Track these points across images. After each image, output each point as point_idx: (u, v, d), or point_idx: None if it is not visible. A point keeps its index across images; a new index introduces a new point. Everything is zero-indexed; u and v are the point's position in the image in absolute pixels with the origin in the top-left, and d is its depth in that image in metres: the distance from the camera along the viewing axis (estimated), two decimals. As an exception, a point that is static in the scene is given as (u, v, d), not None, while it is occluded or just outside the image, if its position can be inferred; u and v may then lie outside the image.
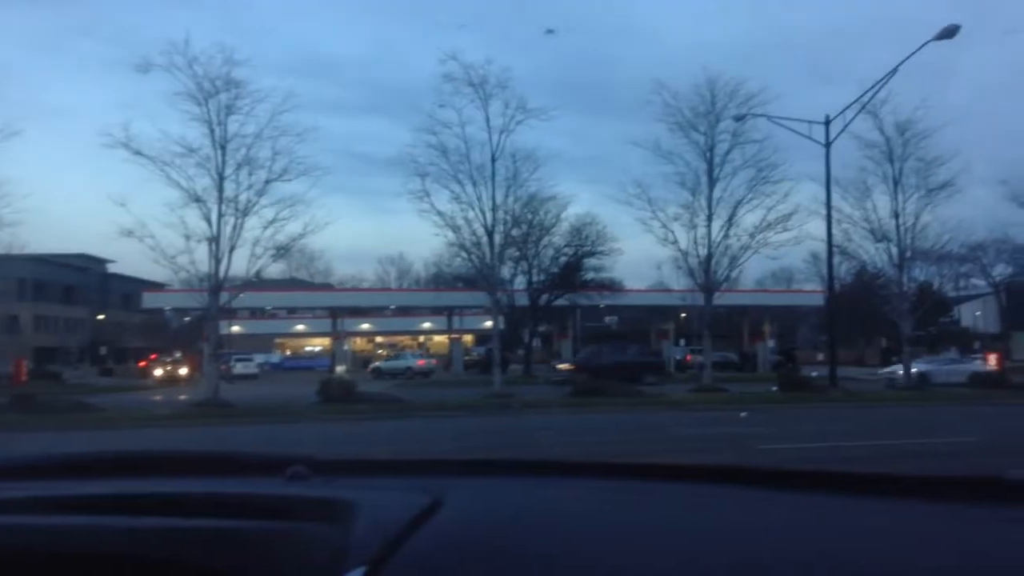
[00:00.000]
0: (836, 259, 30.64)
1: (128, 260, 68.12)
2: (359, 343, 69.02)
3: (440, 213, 27.88)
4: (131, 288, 74.52)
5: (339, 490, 1.19)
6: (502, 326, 32.01)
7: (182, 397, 28.22)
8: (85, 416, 20.19)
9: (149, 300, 54.21)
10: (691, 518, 1.11)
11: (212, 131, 23.70)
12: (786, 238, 29.27)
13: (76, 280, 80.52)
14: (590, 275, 47.26)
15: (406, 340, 72.79)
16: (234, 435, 16.59)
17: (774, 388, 26.96)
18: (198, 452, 1.51)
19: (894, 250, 28.79)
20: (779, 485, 1.26)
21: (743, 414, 19.98)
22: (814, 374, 28.84)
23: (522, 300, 45.52)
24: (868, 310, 54.71)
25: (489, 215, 27.71)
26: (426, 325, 69.06)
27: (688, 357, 49.01)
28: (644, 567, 0.92)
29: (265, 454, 1.50)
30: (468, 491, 1.25)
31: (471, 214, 27.87)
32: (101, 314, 78.72)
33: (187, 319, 59.66)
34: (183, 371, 46.04)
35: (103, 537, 0.93)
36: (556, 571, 0.93)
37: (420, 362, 50.10)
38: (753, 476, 1.31)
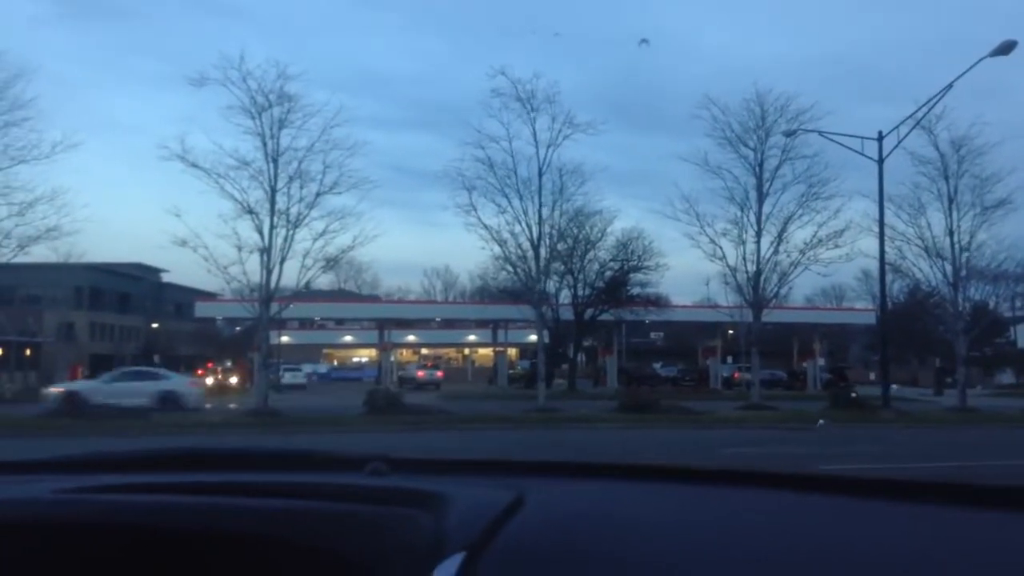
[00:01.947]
0: (889, 277, 30.11)
1: (182, 270, 69.73)
2: (405, 355, 69.55)
3: (486, 226, 28.08)
4: (184, 297, 76.03)
5: (423, 484, 1.22)
6: (547, 340, 31.99)
7: (232, 406, 28.67)
8: (138, 423, 20.62)
9: (201, 309, 55.19)
10: (770, 523, 1.14)
11: (265, 144, 24.22)
12: (837, 255, 28.87)
13: (131, 289, 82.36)
14: (636, 290, 47.02)
15: (451, 352, 73.11)
16: (286, 443, 16.81)
17: (822, 421, 26.47)
18: (277, 449, 1.57)
19: (949, 268, 28.20)
20: (856, 493, 1.28)
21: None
22: (857, 394, 28.28)
23: (567, 314, 45.43)
24: (922, 330, 53.60)
25: (535, 229, 27.81)
26: (471, 338, 69.31)
27: (736, 374, 48.46)
28: (718, 571, 0.95)
29: (341, 451, 1.55)
30: (548, 490, 1.29)
31: (517, 228, 28.02)
32: (155, 322, 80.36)
33: (238, 328, 60.63)
34: (233, 380, 46.75)
35: (214, 515, 0.97)
36: (637, 569, 0.95)
37: (420, 373, 51.09)
38: (831, 485, 1.33)
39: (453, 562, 0.91)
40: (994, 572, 0.97)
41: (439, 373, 52.35)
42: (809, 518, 1.19)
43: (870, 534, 1.09)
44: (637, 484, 1.41)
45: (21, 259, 24.52)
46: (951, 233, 28.03)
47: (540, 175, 27.62)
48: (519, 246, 28.44)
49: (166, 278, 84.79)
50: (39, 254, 25.00)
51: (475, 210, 27.87)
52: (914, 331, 53.41)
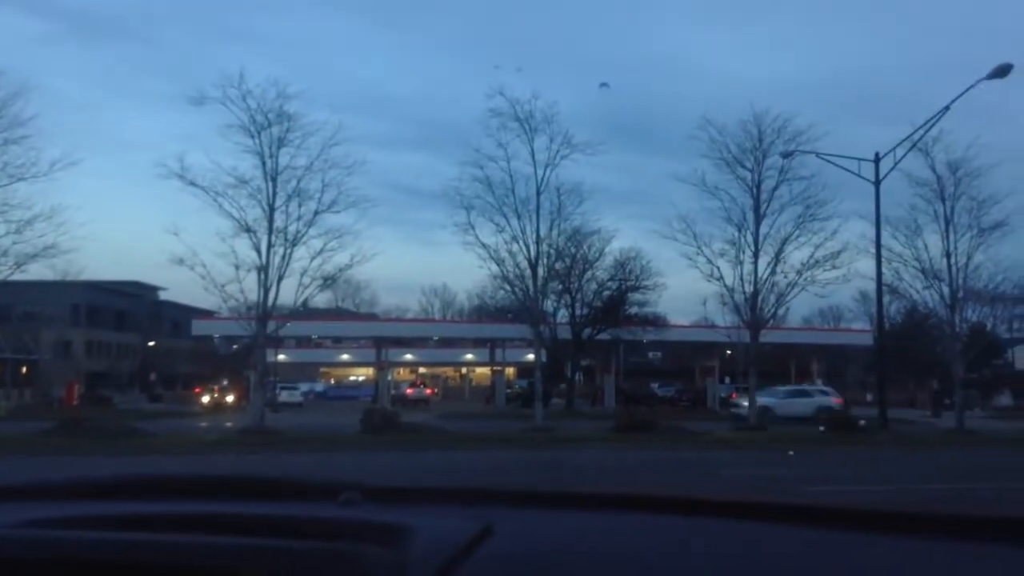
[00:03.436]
0: (886, 298, 30.15)
1: (179, 288, 69.76)
2: (402, 373, 69.37)
3: (484, 245, 28.17)
4: (181, 315, 75.95)
5: (392, 515, 1.22)
6: (544, 359, 31.95)
7: (229, 424, 28.57)
8: (134, 441, 20.52)
9: (199, 327, 55.23)
10: (743, 556, 1.13)
11: (264, 163, 24.31)
12: (834, 276, 28.93)
13: (128, 306, 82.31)
14: (634, 310, 47.03)
15: (448, 371, 72.94)
16: (280, 463, 16.75)
17: (821, 428, 26.43)
18: (249, 476, 1.57)
19: (946, 290, 28.21)
20: (832, 524, 1.26)
21: (791, 453, 19.69)
22: (861, 420, 28.27)
23: (565, 334, 45.41)
24: (919, 351, 53.59)
25: (533, 248, 27.91)
26: (468, 357, 69.22)
27: (734, 395, 48.38)
28: None
29: (317, 479, 1.55)
30: (519, 520, 1.29)
31: (515, 247, 28.11)
32: (152, 340, 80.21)
33: (235, 347, 60.50)
34: (230, 398, 46.61)
35: (165, 552, 0.96)
36: None
37: (409, 391, 52.80)
38: (808, 514, 1.32)
39: None
40: None
41: (428, 391, 53.20)
42: (783, 550, 1.17)
43: (846, 566, 1.09)
44: (611, 515, 1.39)
45: (18, 277, 24.52)
46: (948, 255, 28.07)
47: (538, 194, 27.77)
48: (517, 265, 28.53)
49: (163, 296, 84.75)
50: (36, 271, 25.05)
51: (473, 229, 28.01)
52: (911, 353, 53.40)
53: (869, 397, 50.34)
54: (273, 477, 1.54)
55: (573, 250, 41.75)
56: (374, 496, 1.42)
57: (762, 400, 32.66)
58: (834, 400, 37.77)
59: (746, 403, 30.52)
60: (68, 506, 1.37)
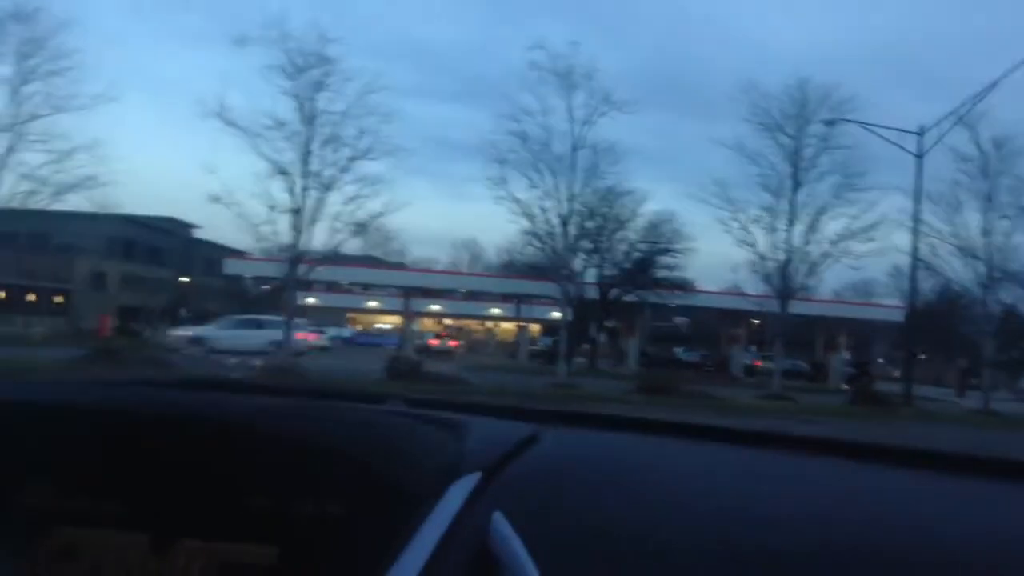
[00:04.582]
0: (920, 274, 29.79)
1: (213, 227, 70.34)
2: (428, 324, 69.83)
3: (516, 200, 28.03)
4: (214, 254, 76.65)
5: (442, 416, 1.27)
6: (570, 318, 31.98)
7: (258, 363, 29.01)
8: (166, 371, 20.94)
9: (231, 267, 55.72)
10: (780, 479, 1.19)
11: (301, 106, 24.26)
12: (869, 249, 28.50)
13: (162, 242, 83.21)
14: (662, 273, 46.79)
15: (474, 324, 73.30)
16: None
17: (846, 401, 26.32)
18: (302, 383, 1.64)
19: (982, 269, 27.81)
20: (861, 458, 1.33)
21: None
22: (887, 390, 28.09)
23: (592, 293, 45.36)
24: (949, 329, 52.96)
25: (565, 205, 27.74)
26: (495, 311, 69.43)
27: (757, 362, 48.26)
28: (706, 510, 1.01)
29: (363, 388, 1.61)
30: (561, 432, 1.34)
31: (547, 203, 27.92)
32: (184, 277, 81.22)
33: (266, 287, 61.17)
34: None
35: (241, 410, 1.01)
36: (646, 502, 1.00)
37: (433, 341, 54.72)
38: (845, 449, 1.37)
39: (469, 481, 0.95)
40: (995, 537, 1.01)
41: (452, 343, 53.51)
42: (823, 478, 1.23)
43: (872, 497, 1.13)
44: (650, 436, 1.46)
45: (56, 206, 24.89)
46: (987, 233, 27.64)
47: (573, 151, 27.53)
48: (548, 221, 28.40)
49: (197, 234, 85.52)
50: (74, 203, 25.34)
51: (506, 183, 27.86)
52: (942, 330, 52.81)
53: (895, 373, 50.00)
54: (323, 384, 1.61)
55: (605, 209, 41.47)
56: (420, 405, 1.48)
57: (198, 331, 31.61)
58: (301, 336, 32.23)
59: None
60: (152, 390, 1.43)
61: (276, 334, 27.60)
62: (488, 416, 1.51)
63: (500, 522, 0.88)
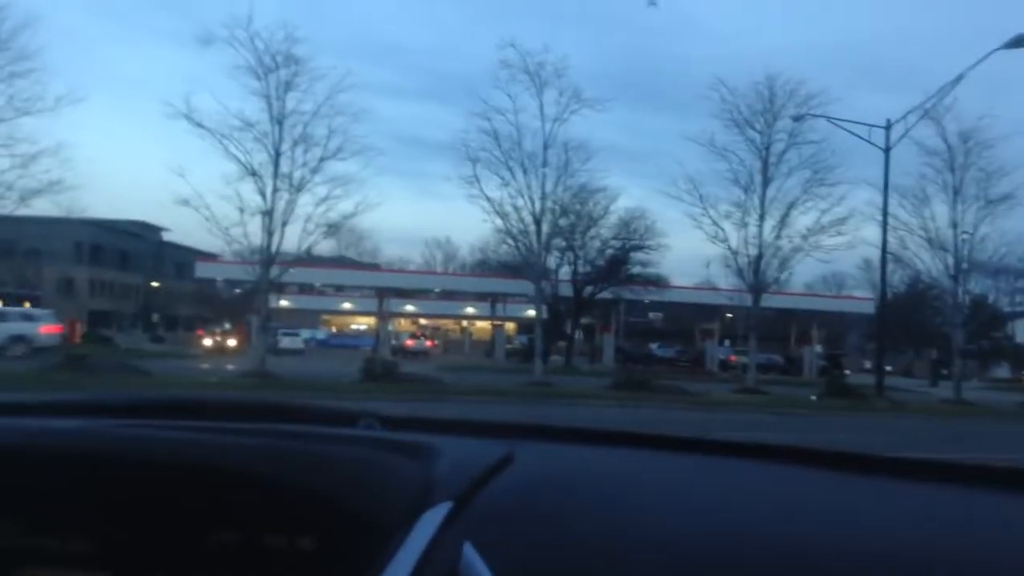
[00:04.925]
0: (890, 267, 30.14)
1: (183, 229, 69.60)
2: (403, 324, 69.71)
3: (489, 199, 27.98)
4: (185, 257, 76.02)
5: (414, 438, 1.23)
6: (545, 316, 32.04)
7: (230, 367, 28.79)
8: (135, 380, 20.69)
9: (202, 270, 55.24)
10: (755, 490, 1.17)
11: (270, 106, 24.09)
12: (839, 242, 28.80)
13: (132, 246, 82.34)
14: (636, 269, 47.03)
15: (449, 324, 73.29)
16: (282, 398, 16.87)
17: (813, 397, 26.60)
18: (272, 400, 1.59)
19: (950, 260, 28.22)
20: (837, 467, 1.32)
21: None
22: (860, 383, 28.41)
23: (566, 291, 45.47)
24: (920, 321, 53.77)
25: (538, 203, 27.75)
26: (469, 311, 69.47)
27: (732, 357, 48.64)
28: (683, 527, 0.98)
29: (336, 407, 1.57)
30: (536, 449, 1.31)
31: (520, 201, 27.91)
32: (155, 281, 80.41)
33: (238, 291, 60.74)
34: (231, 342, 46.90)
35: (200, 450, 0.96)
36: (624, 524, 0.98)
37: (409, 342, 52.55)
38: (826, 459, 1.36)
39: (440, 510, 0.92)
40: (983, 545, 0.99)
41: (428, 343, 53.48)
42: (796, 489, 1.21)
43: (850, 506, 1.12)
44: (625, 449, 1.43)
45: (23, 212, 24.50)
46: (954, 225, 28.04)
47: (545, 149, 27.53)
48: (521, 220, 28.39)
49: (167, 237, 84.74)
50: (41, 207, 24.96)
51: (478, 182, 27.81)
52: (912, 322, 53.57)
53: (867, 364, 50.63)
54: (294, 402, 1.57)
55: (578, 207, 41.56)
56: (393, 424, 1.44)
57: None
58: (44, 329, 30.17)
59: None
60: (110, 421, 1.39)
61: (19, 327, 27.06)
62: (461, 435, 1.48)
63: (470, 553, 0.85)
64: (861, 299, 60.37)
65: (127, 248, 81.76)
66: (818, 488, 1.23)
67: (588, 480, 1.13)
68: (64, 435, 1.02)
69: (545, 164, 27.57)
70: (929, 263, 29.34)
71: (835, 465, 1.33)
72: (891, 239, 27.33)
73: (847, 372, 43.65)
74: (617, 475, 1.20)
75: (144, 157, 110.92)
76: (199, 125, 23.47)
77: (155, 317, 70.90)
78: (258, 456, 0.94)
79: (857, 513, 1.08)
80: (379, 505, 0.92)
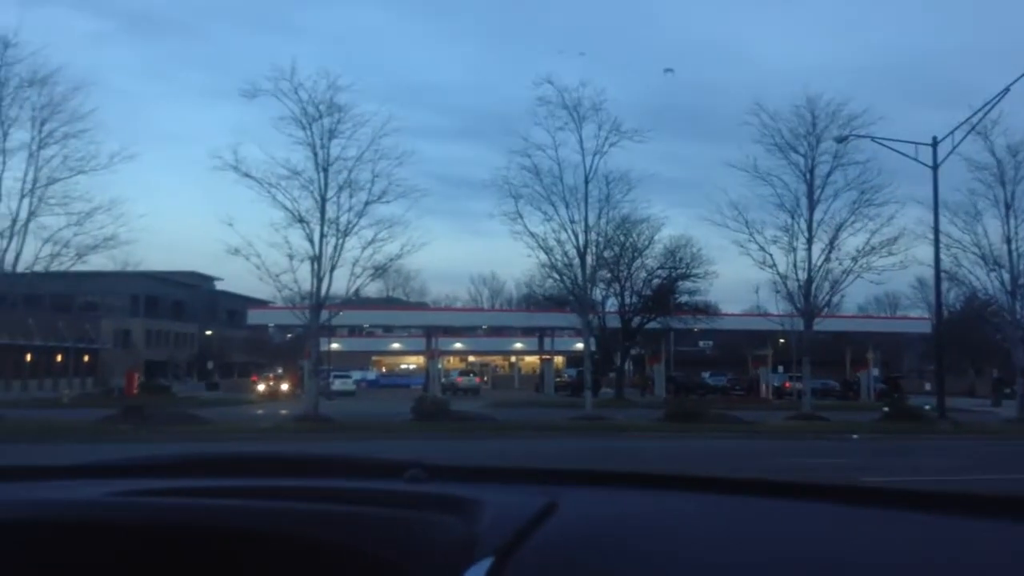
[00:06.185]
0: (944, 285, 29.52)
1: (235, 278, 71.07)
2: (452, 362, 69.79)
3: (532, 234, 28.11)
4: (237, 305, 77.30)
5: (460, 490, 1.26)
6: (593, 348, 31.86)
7: (284, 412, 29.09)
8: (193, 428, 21.04)
9: (254, 317, 56.15)
10: (799, 533, 1.16)
11: (315, 154, 24.60)
12: (891, 263, 28.31)
13: (185, 296, 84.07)
14: (684, 298, 46.59)
15: (497, 359, 73.19)
16: (336, 449, 16.99)
17: (879, 417, 25.95)
18: (319, 455, 1.63)
19: (1006, 276, 27.49)
20: (876, 504, 1.29)
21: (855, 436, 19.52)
22: (927, 406, 27.61)
23: (614, 322, 45.17)
24: (979, 339, 52.29)
25: (581, 236, 27.78)
26: (518, 345, 69.32)
27: (787, 384, 47.73)
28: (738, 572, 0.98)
29: (382, 458, 1.60)
30: (581, 496, 1.32)
31: (563, 235, 27.98)
32: (208, 330, 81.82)
33: (289, 336, 61.48)
34: (284, 386, 47.36)
35: (253, 517, 1.01)
36: (663, 571, 0.98)
37: (459, 379, 53.41)
38: (854, 496, 1.33)
39: (482, 566, 0.93)
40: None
41: (477, 379, 53.51)
42: (841, 530, 1.18)
43: (897, 548, 1.08)
44: (671, 493, 1.42)
45: (79, 267, 25.22)
46: (1008, 240, 27.35)
47: (586, 182, 27.61)
48: (565, 253, 28.45)
49: (219, 286, 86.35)
50: (96, 262, 25.67)
51: (521, 218, 27.95)
52: (971, 340, 52.15)
53: (927, 386, 49.29)
54: (341, 455, 1.60)
55: (622, 238, 41.51)
56: (439, 474, 1.46)
57: None
58: None
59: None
60: (154, 481, 1.44)
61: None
62: (506, 482, 1.49)
63: None
64: (917, 319, 58.98)
65: (181, 298, 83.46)
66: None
67: (635, 529, 1.13)
68: (95, 507, 1.08)
69: (587, 197, 27.62)
70: (984, 280, 28.66)
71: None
72: (944, 257, 26.82)
73: (908, 395, 42.54)
74: (666, 523, 1.19)
75: (195, 209, 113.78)
76: (247, 175, 24.07)
77: (210, 365, 71.99)
78: (302, 519, 0.97)
79: (933, 559, 1.04)
80: (422, 563, 0.94)
